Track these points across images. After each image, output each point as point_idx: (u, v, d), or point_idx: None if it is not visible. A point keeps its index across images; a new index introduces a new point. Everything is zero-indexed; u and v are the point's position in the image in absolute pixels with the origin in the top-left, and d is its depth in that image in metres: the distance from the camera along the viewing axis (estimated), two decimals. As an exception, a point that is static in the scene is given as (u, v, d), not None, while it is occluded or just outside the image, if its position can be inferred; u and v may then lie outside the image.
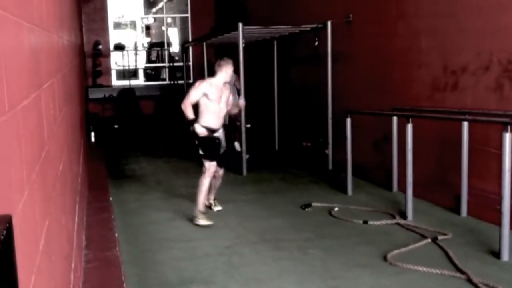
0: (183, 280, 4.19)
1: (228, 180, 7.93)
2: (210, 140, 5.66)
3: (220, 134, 5.79)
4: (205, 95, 5.59)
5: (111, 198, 6.42)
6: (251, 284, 4.10)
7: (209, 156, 5.68)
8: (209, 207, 6.12)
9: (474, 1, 5.73)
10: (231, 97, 6.02)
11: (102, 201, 6.25)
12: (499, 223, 4.49)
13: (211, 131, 5.68)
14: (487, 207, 5.38)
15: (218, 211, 6.12)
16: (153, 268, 4.47)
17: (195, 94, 5.62)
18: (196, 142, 5.70)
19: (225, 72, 5.70)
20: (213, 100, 5.62)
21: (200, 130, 5.60)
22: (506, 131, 4.37)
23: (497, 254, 4.47)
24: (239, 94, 7.96)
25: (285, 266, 4.44)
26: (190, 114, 5.57)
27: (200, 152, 5.70)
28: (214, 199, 6.23)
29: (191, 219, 5.64)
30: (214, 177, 5.86)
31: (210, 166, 5.69)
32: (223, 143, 5.87)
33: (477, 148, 5.62)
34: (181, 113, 5.69)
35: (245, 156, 8.21)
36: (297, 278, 4.20)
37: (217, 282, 4.14)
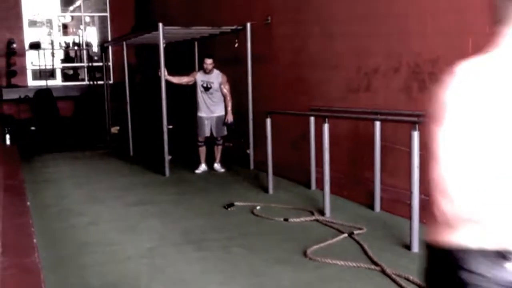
0: (106, 284, 4.15)
1: (150, 181, 7.90)
2: None
3: None
4: None
5: (28, 203, 6.21)
6: (175, 286, 4.14)
7: None
8: None
9: (384, 8, 6.08)
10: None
11: (19, 206, 6.03)
12: (409, 217, 4.72)
13: None
14: (398, 202, 5.70)
15: None
16: (74, 273, 4.38)
17: None
18: None
19: None
20: None
21: None
22: (414, 129, 4.59)
23: (408, 246, 4.72)
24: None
25: (209, 266, 4.50)
26: None
27: None
28: None
29: None
30: None
31: None
32: None
33: (388, 146, 5.93)
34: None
35: (167, 157, 8.19)
36: (222, 277, 4.28)
37: (141, 285, 4.13)
